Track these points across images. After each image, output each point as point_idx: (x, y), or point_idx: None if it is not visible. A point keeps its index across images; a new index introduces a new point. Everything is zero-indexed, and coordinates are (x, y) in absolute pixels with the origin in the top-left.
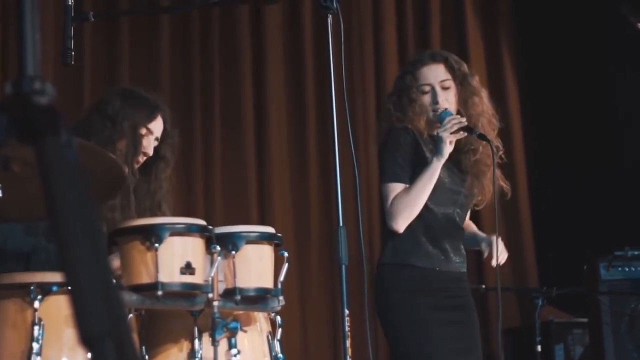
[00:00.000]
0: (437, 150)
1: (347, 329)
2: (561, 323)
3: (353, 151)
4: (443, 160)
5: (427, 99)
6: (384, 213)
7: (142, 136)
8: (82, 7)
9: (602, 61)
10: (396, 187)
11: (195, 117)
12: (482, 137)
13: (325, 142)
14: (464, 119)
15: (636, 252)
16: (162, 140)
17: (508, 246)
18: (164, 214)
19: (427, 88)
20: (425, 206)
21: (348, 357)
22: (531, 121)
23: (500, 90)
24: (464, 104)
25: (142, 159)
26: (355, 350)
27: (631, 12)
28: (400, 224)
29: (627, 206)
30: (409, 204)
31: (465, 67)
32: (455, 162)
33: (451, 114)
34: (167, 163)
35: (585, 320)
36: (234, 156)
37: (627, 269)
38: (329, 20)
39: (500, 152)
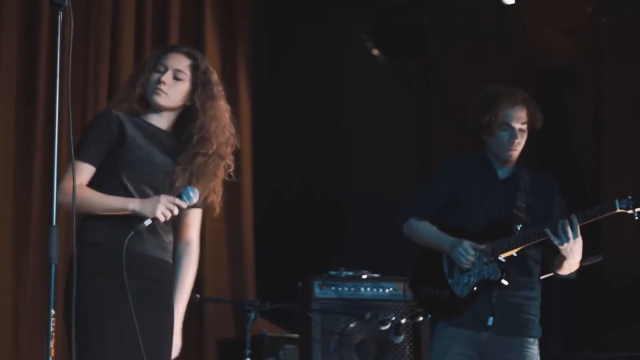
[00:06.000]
0: (143, 205)
1: (52, 329)
2: (274, 337)
3: (72, 151)
4: (135, 211)
5: (155, 76)
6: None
7: None
8: None
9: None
10: (78, 166)
11: None
12: None
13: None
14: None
15: (350, 273)
16: None
17: (229, 259)
18: None
19: (162, 68)
20: (123, 185)
21: (50, 357)
22: (259, 138)
23: (232, 101)
24: (203, 105)
25: None
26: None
27: (366, 38)
28: (64, 207)
29: (349, 229)
30: (83, 205)
31: (212, 76)
32: (173, 147)
33: (195, 192)
34: None
35: (297, 335)
36: None
37: (340, 289)
38: (60, 17)
39: (230, 170)
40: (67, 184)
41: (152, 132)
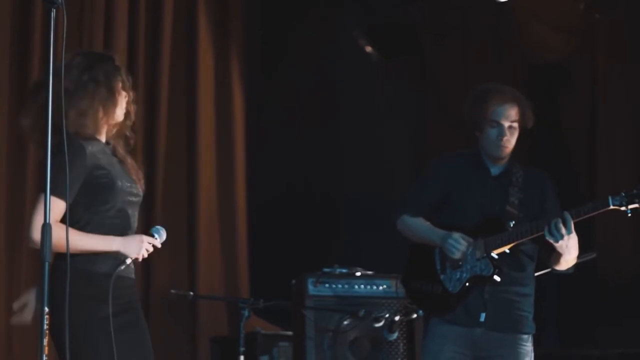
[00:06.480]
0: (126, 246)
1: (45, 326)
2: (267, 335)
3: (67, 157)
4: (119, 252)
5: (125, 99)
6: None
7: None
8: None
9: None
10: (52, 202)
11: None
12: None
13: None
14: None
15: (344, 270)
16: None
17: (223, 256)
18: None
19: (128, 85)
20: (119, 209)
21: (44, 355)
22: (253, 136)
23: (226, 100)
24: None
25: None
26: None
27: (361, 36)
28: (35, 244)
29: (343, 226)
30: (62, 246)
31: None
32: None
33: (163, 230)
34: None
35: (291, 333)
36: None
37: (334, 286)
38: (53, 14)
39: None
40: (40, 221)
41: (108, 152)
